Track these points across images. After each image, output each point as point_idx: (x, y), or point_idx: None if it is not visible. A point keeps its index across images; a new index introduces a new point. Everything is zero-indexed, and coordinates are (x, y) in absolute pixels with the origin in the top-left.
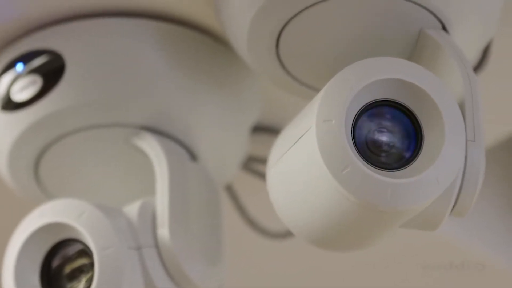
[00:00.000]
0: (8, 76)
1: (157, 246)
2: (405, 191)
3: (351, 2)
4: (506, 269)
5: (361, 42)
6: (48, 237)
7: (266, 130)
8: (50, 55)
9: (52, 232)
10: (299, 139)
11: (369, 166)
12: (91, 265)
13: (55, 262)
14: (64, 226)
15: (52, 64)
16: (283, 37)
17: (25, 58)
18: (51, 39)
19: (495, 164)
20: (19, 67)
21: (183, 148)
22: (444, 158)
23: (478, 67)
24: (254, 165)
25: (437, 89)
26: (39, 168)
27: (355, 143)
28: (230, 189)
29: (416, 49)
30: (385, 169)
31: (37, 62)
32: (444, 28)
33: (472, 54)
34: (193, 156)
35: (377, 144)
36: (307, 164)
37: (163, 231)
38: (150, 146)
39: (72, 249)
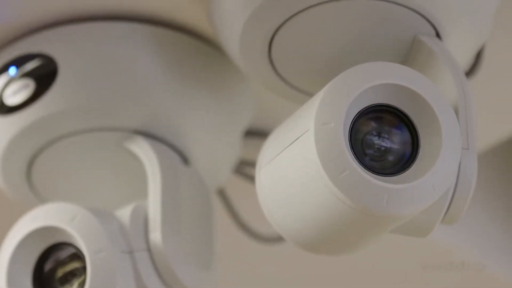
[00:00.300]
0: (1, 80)
1: (149, 250)
2: (401, 197)
3: (345, 7)
4: (504, 269)
5: (354, 48)
6: (40, 240)
7: (259, 134)
8: (43, 59)
9: (44, 236)
10: (294, 141)
11: (366, 171)
12: (84, 268)
13: (48, 266)
14: (56, 230)
15: (45, 68)
16: (275, 41)
17: (18, 62)
18: (44, 43)
19: (487, 168)
20: (12, 70)
21: (175, 152)
22: (441, 164)
23: (471, 71)
24: (247, 169)
25: (435, 96)
26: (31, 171)
27: (352, 147)
28: (222, 193)
29: (410, 55)
30: (381, 174)
31: (30, 66)
32: (437, 34)
33: (466, 59)
34: (185, 160)
35: (374, 149)
36: (302, 166)
37: (155, 235)
38: (143, 150)
39: (64, 253)
